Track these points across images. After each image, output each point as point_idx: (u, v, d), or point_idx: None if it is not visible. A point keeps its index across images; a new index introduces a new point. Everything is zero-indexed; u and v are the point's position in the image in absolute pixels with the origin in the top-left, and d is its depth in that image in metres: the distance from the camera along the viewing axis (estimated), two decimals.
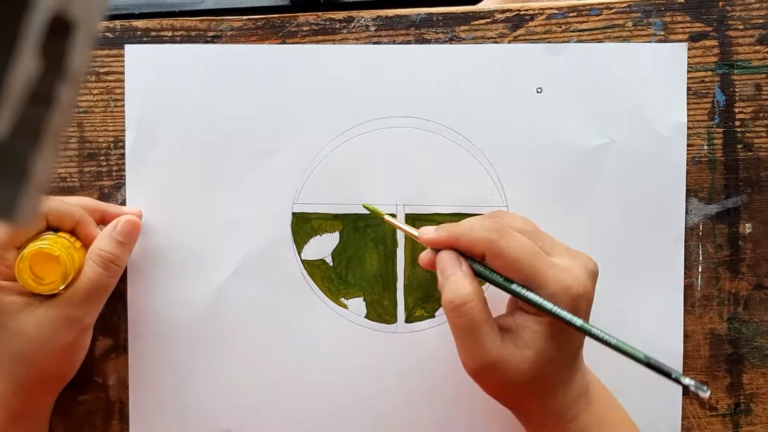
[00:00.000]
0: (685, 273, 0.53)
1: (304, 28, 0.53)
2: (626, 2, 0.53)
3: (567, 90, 0.53)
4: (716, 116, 0.53)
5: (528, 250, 0.42)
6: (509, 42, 0.53)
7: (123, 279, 0.53)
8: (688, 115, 0.53)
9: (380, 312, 0.54)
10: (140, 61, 0.53)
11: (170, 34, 0.54)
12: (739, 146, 0.53)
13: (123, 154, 0.53)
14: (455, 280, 0.43)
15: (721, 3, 0.53)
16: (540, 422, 0.44)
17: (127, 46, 0.53)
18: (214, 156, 0.53)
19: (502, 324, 0.43)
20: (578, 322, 0.40)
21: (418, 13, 0.53)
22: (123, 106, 0.53)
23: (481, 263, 0.44)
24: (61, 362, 0.49)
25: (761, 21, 0.52)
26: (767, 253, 0.53)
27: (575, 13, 0.53)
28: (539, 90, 0.53)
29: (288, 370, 0.53)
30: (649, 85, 0.53)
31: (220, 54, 0.53)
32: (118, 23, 0.53)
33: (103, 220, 0.51)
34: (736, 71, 0.53)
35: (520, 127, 0.53)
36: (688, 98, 0.53)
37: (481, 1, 0.58)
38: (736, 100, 0.53)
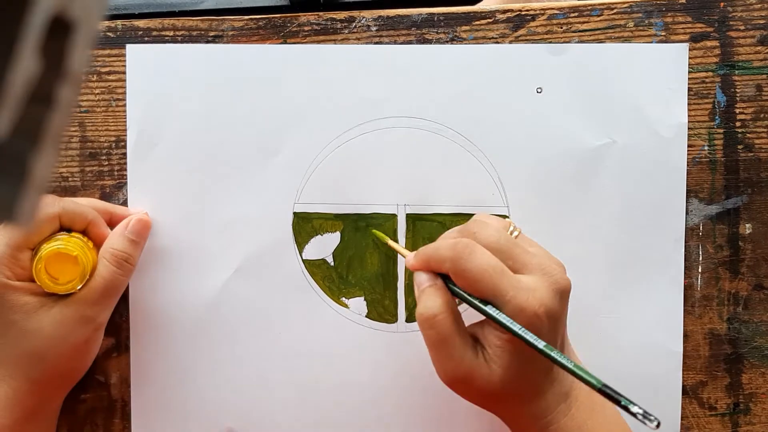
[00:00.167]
0: (685, 273, 0.53)
1: (306, 28, 0.54)
2: (627, 3, 0.53)
3: (568, 90, 0.53)
4: (717, 117, 0.53)
5: (489, 270, 0.41)
6: (510, 42, 0.53)
7: None
8: (688, 116, 0.53)
9: (381, 311, 0.54)
10: (142, 60, 0.54)
11: (171, 33, 0.54)
12: (739, 147, 0.53)
13: (124, 154, 0.54)
14: (427, 294, 0.43)
15: (722, 3, 0.53)
16: (520, 426, 0.45)
17: (128, 46, 0.54)
18: (215, 156, 0.53)
19: (476, 334, 0.44)
20: (541, 344, 0.40)
21: (419, 14, 0.53)
22: (124, 105, 0.53)
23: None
24: (75, 360, 0.50)
25: (762, 22, 0.52)
26: (767, 254, 0.53)
27: (576, 14, 0.53)
28: (539, 90, 0.53)
29: (289, 369, 0.54)
30: (649, 86, 0.53)
31: (221, 54, 0.53)
32: (119, 23, 0.54)
33: (110, 221, 0.52)
34: (737, 72, 0.53)
35: (521, 128, 0.53)
36: (688, 99, 0.53)
37: (480, 1, 0.58)
38: (736, 100, 0.53)
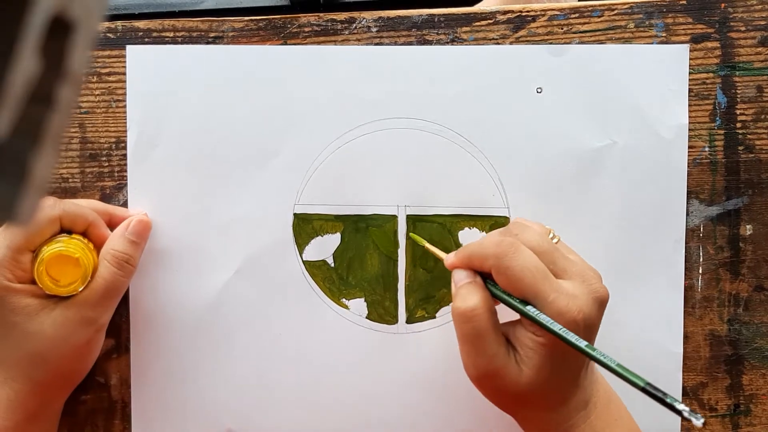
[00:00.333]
0: (685, 274, 0.53)
1: (306, 29, 0.54)
2: (628, 4, 0.53)
3: (569, 91, 0.53)
4: (717, 118, 0.53)
5: (533, 271, 0.42)
6: (511, 43, 0.53)
7: None
8: (689, 117, 0.53)
9: (381, 313, 0.54)
10: (142, 61, 0.54)
11: (172, 34, 0.54)
12: (740, 148, 0.53)
13: (125, 155, 0.54)
14: (465, 289, 0.44)
15: (723, 5, 0.53)
16: (537, 430, 0.45)
17: (128, 47, 0.54)
18: (215, 157, 0.53)
19: (508, 333, 0.44)
20: (582, 343, 0.40)
21: (419, 14, 0.53)
22: (125, 106, 0.53)
23: (492, 280, 0.44)
24: (77, 362, 0.50)
25: (763, 23, 0.52)
26: (767, 255, 0.53)
27: (577, 15, 0.53)
28: (539, 91, 0.53)
29: (289, 370, 0.54)
30: (650, 87, 0.53)
31: (221, 55, 0.53)
32: (119, 24, 0.54)
33: (110, 223, 0.52)
34: (737, 73, 0.53)
35: (521, 129, 0.53)
36: (689, 100, 0.53)
37: (480, 2, 0.58)
38: (737, 101, 0.53)
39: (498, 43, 0.53)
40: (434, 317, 0.54)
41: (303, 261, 0.54)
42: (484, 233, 0.53)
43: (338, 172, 0.53)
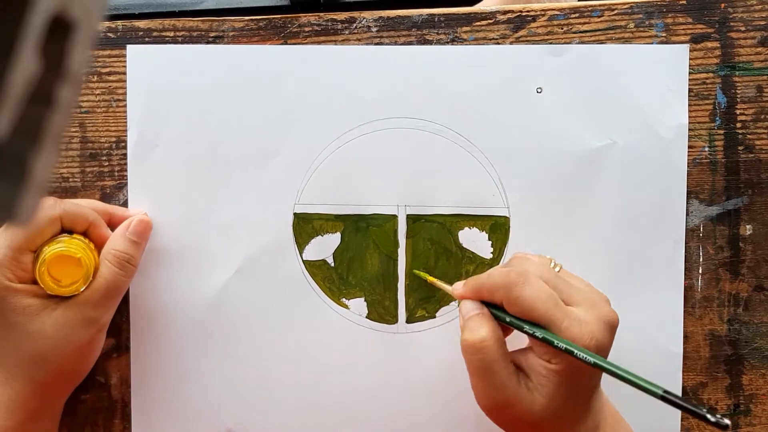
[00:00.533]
0: (685, 274, 0.53)
1: (306, 29, 0.54)
2: (628, 3, 0.53)
3: (568, 91, 0.53)
4: (717, 118, 0.53)
5: (544, 299, 0.42)
6: (511, 43, 0.53)
7: None
8: (689, 117, 0.53)
9: (381, 312, 0.54)
10: (142, 61, 0.54)
11: (172, 34, 0.54)
12: (740, 148, 0.53)
13: (125, 155, 0.54)
14: (473, 321, 0.44)
15: (723, 5, 0.53)
16: None
17: (129, 47, 0.54)
18: (215, 156, 0.53)
19: (518, 361, 0.44)
20: (604, 363, 0.40)
21: (419, 14, 0.53)
22: (125, 106, 0.53)
23: (502, 308, 0.44)
24: (78, 362, 0.50)
25: (763, 23, 0.52)
26: (767, 255, 0.53)
27: (577, 15, 0.53)
28: (539, 91, 0.53)
29: (289, 370, 0.54)
30: (650, 87, 0.53)
31: (221, 54, 0.53)
32: (119, 23, 0.54)
33: (110, 222, 0.52)
34: (737, 73, 0.53)
35: (521, 129, 0.53)
36: (689, 100, 0.53)
37: (480, 2, 0.58)
38: (737, 101, 0.53)
39: (498, 43, 0.53)
40: (434, 317, 0.54)
41: (303, 261, 0.54)
42: (484, 233, 0.53)
43: (338, 172, 0.53)
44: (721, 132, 0.53)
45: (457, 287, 0.47)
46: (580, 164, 0.53)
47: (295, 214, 0.53)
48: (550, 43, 0.53)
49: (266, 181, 0.53)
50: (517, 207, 0.53)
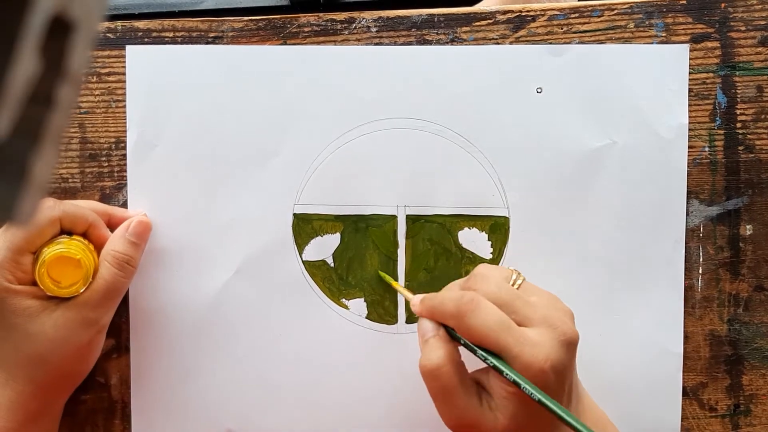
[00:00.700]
0: (685, 274, 0.53)
1: (306, 29, 0.54)
2: (628, 3, 0.53)
3: (568, 91, 0.53)
4: (717, 118, 0.53)
5: (494, 328, 0.41)
6: (511, 43, 0.53)
7: None
8: (689, 117, 0.53)
9: (381, 313, 0.54)
10: (141, 61, 0.53)
11: (171, 34, 0.54)
12: (740, 148, 0.53)
13: (124, 155, 0.54)
14: (429, 345, 0.43)
15: (723, 4, 0.53)
16: None
17: (128, 47, 0.53)
18: (215, 157, 0.53)
19: (481, 381, 0.43)
20: (536, 396, 0.39)
21: (419, 14, 0.53)
22: (124, 106, 0.53)
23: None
24: (78, 363, 0.50)
25: (763, 23, 0.52)
26: (767, 255, 0.53)
27: (577, 15, 0.53)
28: (539, 90, 0.53)
29: (289, 370, 0.54)
30: (650, 87, 0.53)
31: (221, 55, 0.53)
32: (119, 24, 0.54)
33: (109, 223, 0.52)
34: (737, 73, 0.53)
35: (521, 129, 0.53)
36: (689, 100, 0.53)
37: (479, 2, 0.58)
38: (737, 101, 0.53)
39: (498, 43, 0.53)
40: None
41: (303, 261, 0.54)
42: (483, 233, 0.53)
43: (338, 172, 0.53)
44: (721, 132, 0.53)
45: (415, 303, 0.46)
46: (579, 164, 0.53)
47: (294, 214, 0.53)
48: (550, 43, 0.53)
49: (266, 182, 0.53)
50: (516, 207, 0.53)
